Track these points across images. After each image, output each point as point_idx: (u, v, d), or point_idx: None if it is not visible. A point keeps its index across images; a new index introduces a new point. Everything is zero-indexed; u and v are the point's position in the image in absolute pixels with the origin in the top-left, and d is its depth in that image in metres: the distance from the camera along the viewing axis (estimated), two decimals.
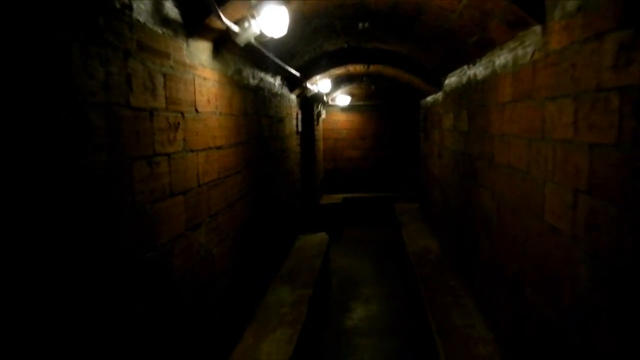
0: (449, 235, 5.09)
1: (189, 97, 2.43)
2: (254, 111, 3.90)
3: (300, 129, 6.64)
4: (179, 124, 2.28)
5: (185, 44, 2.37)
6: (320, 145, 10.08)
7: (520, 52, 2.58)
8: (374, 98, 10.33)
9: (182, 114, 2.33)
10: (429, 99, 6.85)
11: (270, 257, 4.48)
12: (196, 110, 2.53)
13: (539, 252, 2.35)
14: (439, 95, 5.79)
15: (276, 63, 4.16)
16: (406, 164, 10.57)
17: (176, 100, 2.26)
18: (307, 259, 5.14)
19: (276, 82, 4.89)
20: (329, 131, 10.57)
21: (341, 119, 10.53)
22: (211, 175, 2.78)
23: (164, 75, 2.13)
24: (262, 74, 4.20)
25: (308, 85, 5.99)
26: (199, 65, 2.59)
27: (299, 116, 6.57)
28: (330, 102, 9.86)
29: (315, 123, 9.09)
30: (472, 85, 3.88)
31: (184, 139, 2.35)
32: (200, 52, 2.60)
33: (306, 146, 8.61)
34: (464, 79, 4.17)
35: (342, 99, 9.95)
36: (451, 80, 4.87)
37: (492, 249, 3.26)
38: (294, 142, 6.27)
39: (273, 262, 4.63)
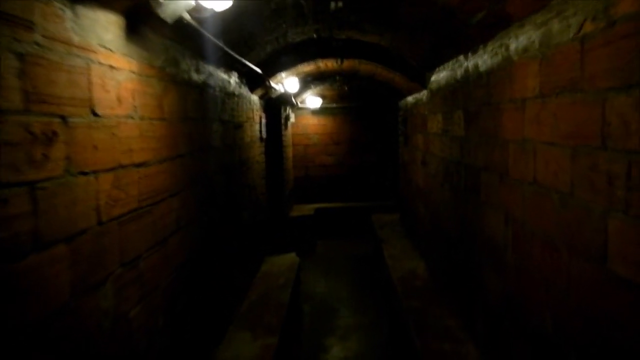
0: (439, 259, 4.41)
1: (78, 93, 1.64)
2: (199, 115, 3.12)
3: (264, 135, 5.88)
4: (55, 134, 1.49)
5: (69, 12, 1.59)
6: (290, 152, 9.33)
7: (555, 26, 1.89)
8: (348, 99, 9.66)
9: (64, 118, 1.55)
10: (410, 99, 6.19)
11: (228, 292, 3.69)
12: (94, 113, 1.75)
13: (595, 309, 1.66)
14: (423, 94, 5.13)
15: (229, 54, 3.39)
16: (385, 171, 9.92)
17: (50, 98, 1.47)
18: (273, 291, 4.38)
19: (231, 79, 4.12)
20: (299, 136, 9.83)
21: (312, 122, 9.81)
22: (126, 206, 1.99)
23: (21, 57, 1.35)
24: (210, 68, 3.42)
25: (272, 84, 5.23)
26: (101, 47, 1.81)
27: (263, 120, 5.81)
28: (299, 105, 9.12)
29: (284, 128, 8.35)
30: (470, 80, 3.20)
31: (68, 157, 1.56)
32: (101, 28, 1.81)
33: (272, 154, 7.85)
34: (459, 73, 3.50)
35: (313, 101, 9.23)
36: (440, 76, 4.20)
37: (506, 287, 2.57)
38: (257, 151, 5.50)
39: (232, 297, 3.85)
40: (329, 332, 5.04)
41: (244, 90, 4.71)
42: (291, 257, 5.50)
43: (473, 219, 3.22)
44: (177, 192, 2.64)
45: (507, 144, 2.52)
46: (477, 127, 3.08)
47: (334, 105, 9.67)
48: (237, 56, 3.53)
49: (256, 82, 4.94)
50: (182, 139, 2.73)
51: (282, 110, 8.16)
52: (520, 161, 2.33)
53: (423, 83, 4.91)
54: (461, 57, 3.38)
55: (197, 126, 3.04)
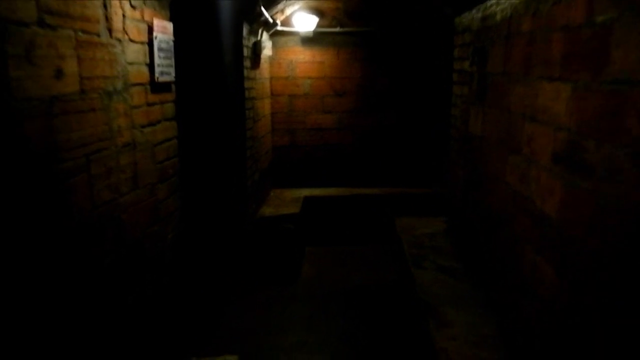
0: None
1: None
2: None
3: (162, 73, 2.61)
4: None
5: None
6: (264, 107, 6.04)
7: None
8: (360, 19, 6.25)
9: None
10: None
11: None
12: None
13: None
14: None
15: None
16: (418, 139, 6.64)
17: None
18: None
19: None
20: (280, 81, 6.49)
21: (302, 58, 6.43)
22: None
23: None
24: None
25: None
26: None
27: (158, 38, 2.52)
28: (279, 26, 5.75)
29: (249, 65, 5.04)
30: None
31: None
32: None
33: (218, 113, 4.54)
34: None
35: (303, 20, 5.85)
36: None
37: None
38: (122, 121, 2.25)
39: None
40: None
41: None
42: None
43: None
44: None
45: None
46: None
47: (337, 29, 6.25)
48: None
49: None
50: None
51: (246, 32, 4.81)
52: None
53: None
54: None
55: None
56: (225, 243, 4.70)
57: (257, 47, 5.25)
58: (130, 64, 2.24)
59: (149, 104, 2.46)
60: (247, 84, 4.93)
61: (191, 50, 3.53)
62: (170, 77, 2.68)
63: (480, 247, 3.49)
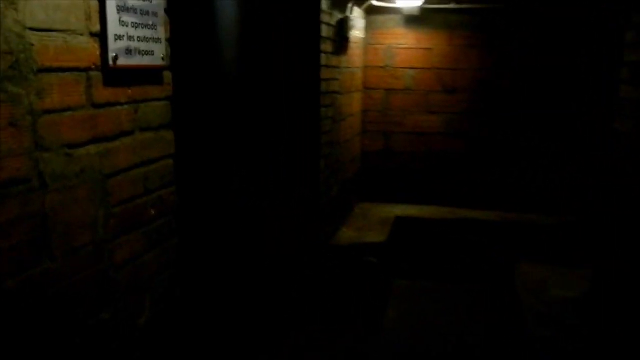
0: None
1: None
2: None
3: (144, 54, 1.53)
4: None
5: None
6: (354, 102, 4.87)
7: None
8: None
9: None
10: None
11: None
12: None
13: None
14: None
15: None
16: (552, 151, 5.11)
17: None
18: None
19: None
20: (375, 71, 5.26)
21: (404, 43, 5.14)
22: None
23: None
24: None
25: None
26: None
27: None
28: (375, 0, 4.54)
29: (330, 49, 3.89)
30: None
31: None
32: None
33: (267, 112, 3.42)
34: None
35: None
36: None
37: None
38: (17, 136, 1.17)
39: None
40: None
41: None
42: None
43: None
44: None
45: None
46: None
47: (451, 5, 4.88)
48: None
49: None
50: None
51: (326, 4, 3.67)
52: None
53: None
54: None
55: None
56: (283, 279, 3.64)
57: (343, 27, 4.09)
58: (41, 30, 1.21)
59: (97, 105, 1.41)
60: (325, 74, 3.80)
61: (225, 22, 2.47)
62: (152, 58, 1.61)
63: None
